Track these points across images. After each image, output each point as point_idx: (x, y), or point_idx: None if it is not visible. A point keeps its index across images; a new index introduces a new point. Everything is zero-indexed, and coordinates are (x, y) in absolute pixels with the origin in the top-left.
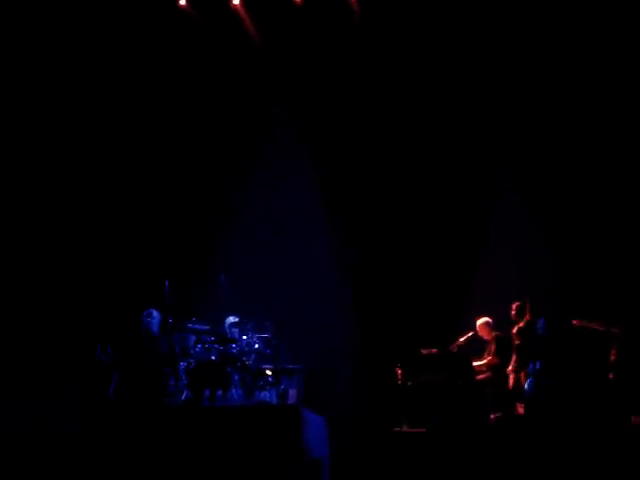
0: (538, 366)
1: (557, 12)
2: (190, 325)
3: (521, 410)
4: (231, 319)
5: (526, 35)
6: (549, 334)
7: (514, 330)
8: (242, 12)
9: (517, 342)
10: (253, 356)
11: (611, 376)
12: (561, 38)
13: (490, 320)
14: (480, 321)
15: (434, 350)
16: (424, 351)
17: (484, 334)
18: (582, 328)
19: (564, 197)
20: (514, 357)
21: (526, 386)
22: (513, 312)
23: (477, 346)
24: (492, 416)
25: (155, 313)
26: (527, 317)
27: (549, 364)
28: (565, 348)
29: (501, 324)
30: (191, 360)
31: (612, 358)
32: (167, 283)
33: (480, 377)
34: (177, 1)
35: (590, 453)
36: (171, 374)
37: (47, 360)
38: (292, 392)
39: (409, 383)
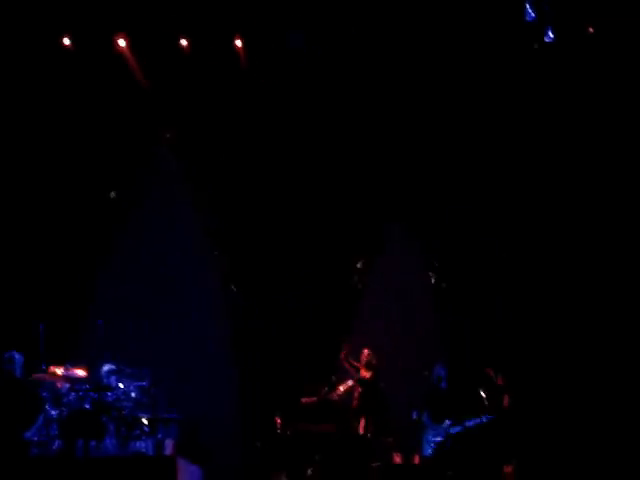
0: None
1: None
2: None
3: (398, 459)
4: (107, 366)
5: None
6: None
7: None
8: (128, 55)
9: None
10: (129, 405)
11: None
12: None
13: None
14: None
15: (314, 399)
16: (303, 400)
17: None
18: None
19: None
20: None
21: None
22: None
23: None
24: (373, 465)
25: (17, 356)
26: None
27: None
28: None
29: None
30: (63, 408)
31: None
32: (42, 327)
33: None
34: (60, 40)
35: None
36: (37, 423)
37: None
38: (168, 442)
39: (288, 432)
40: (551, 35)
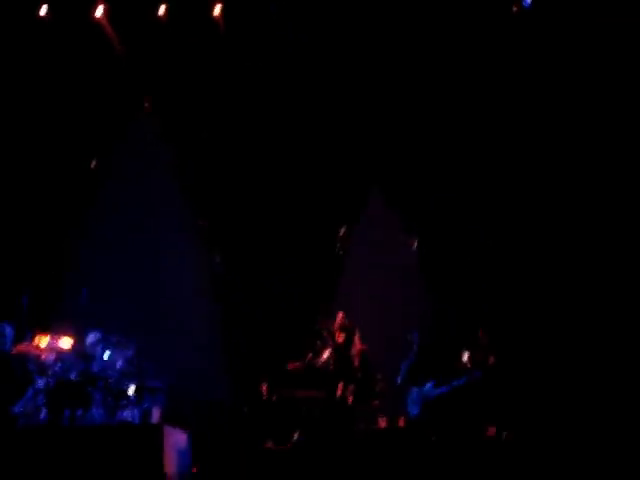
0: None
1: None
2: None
3: (383, 424)
4: (92, 335)
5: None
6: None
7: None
8: (105, 23)
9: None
10: (115, 374)
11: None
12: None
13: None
14: None
15: (299, 364)
16: (289, 366)
17: None
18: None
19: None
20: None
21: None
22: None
23: None
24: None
25: (8, 329)
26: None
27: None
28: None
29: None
30: (50, 379)
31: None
32: (25, 298)
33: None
34: (37, 11)
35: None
36: (26, 393)
37: None
38: (155, 410)
39: (273, 398)
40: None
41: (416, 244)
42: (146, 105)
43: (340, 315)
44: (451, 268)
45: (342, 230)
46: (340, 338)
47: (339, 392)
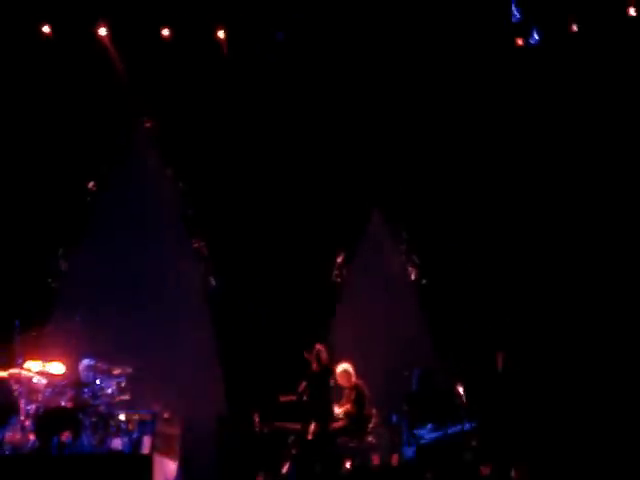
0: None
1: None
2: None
3: (376, 460)
4: (86, 362)
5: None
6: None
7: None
8: (109, 44)
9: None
10: (106, 401)
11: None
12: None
13: (349, 368)
14: (339, 368)
15: (292, 397)
16: (282, 398)
17: (343, 382)
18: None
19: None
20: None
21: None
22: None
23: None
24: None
25: None
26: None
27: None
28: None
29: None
30: (39, 404)
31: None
32: (17, 322)
33: (336, 425)
34: (40, 28)
35: None
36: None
37: None
38: (146, 439)
39: (265, 430)
40: (536, 37)
41: (417, 273)
42: (147, 126)
43: (316, 346)
44: (455, 300)
45: (340, 256)
46: (315, 369)
47: (312, 426)
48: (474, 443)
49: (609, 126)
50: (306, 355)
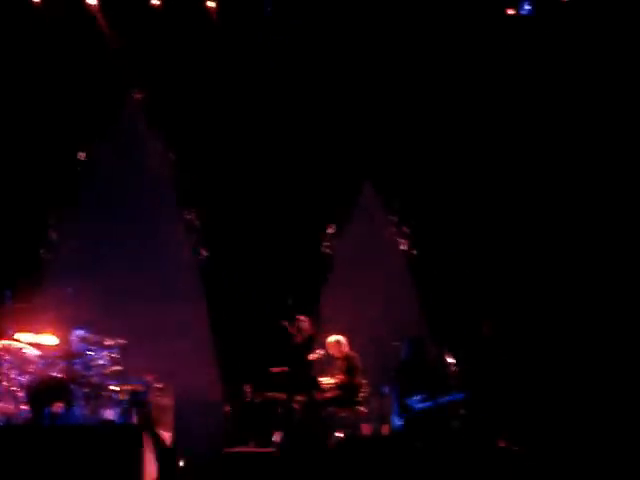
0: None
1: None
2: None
3: (366, 430)
4: (78, 333)
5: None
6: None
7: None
8: (98, 12)
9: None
10: (99, 372)
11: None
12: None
13: (341, 338)
14: (330, 339)
15: (284, 368)
16: (273, 369)
17: (334, 352)
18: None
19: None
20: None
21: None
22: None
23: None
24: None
25: None
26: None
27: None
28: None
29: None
30: (33, 376)
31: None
32: (8, 292)
33: (328, 395)
34: None
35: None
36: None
37: None
38: (138, 410)
39: (256, 400)
40: (527, 7)
41: (408, 244)
42: (137, 96)
43: (298, 318)
44: (444, 270)
45: (330, 228)
46: (298, 340)
47: (299, 396)
48: (462, 411)
49: (604, 101)
50: (287, 327)
